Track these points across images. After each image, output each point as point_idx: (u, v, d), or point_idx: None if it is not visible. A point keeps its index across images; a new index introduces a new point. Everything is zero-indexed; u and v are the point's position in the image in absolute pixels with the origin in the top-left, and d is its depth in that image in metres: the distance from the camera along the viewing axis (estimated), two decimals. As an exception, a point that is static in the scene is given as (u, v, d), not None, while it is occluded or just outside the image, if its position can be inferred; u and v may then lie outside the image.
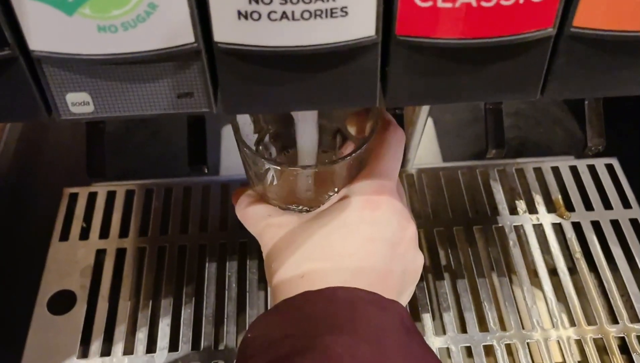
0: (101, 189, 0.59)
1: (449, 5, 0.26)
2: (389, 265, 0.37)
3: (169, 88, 0.29)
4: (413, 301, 0.52)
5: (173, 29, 0.26)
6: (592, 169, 0.60)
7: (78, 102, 0.29)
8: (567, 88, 0.30)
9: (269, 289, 0.52)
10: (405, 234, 0.38)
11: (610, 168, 0.60)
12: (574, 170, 0.60)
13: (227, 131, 0.69)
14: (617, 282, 0.53)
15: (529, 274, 0.54)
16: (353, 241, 0.36)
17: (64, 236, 0.55)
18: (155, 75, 0.28)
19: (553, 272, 0.54)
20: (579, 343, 0.49)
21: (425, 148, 0.67)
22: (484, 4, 0.26)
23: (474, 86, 0.30)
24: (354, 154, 0.38)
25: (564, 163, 0.61)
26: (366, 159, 0.40)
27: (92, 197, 0.58)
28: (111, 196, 0.58)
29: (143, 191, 0.58)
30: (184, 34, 0.26)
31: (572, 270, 0.54)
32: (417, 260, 0.39)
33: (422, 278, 0.53)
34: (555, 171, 0.60)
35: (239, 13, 0.26)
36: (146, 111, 0.29)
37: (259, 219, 0.40)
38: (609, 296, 0.52)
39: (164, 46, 0.27)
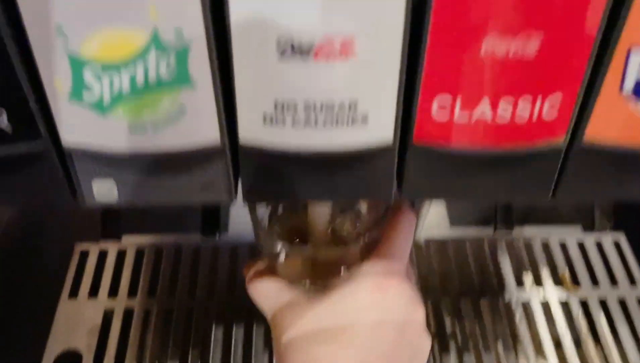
0: (112, 247, 0.59)
1: (465, 117, 0.27)
2: (397, 350, 0.37)
3: (192, 180, 0.30)
4: (418, 375, 0.52)
5: (200, 130, 0.27)
6: (599, 244, 0.61)
7: (104, 191, 0.30)
8: (577, 193, 0.31)
9: (274, 358, 0.52)
10: (413, 318, 0.38)
11: (617, 244, 0.61)
12: (581, 245, 0.61)
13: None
14: (623, 361, 0.53)
15: (535, 349, 0.54)
16: (362, 326, 0.37)
17: (73, 294, 0.56)
18: (179, 169, 0.29)
19: (559, 348, 0.54)
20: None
21: (434, 211, 0.68)
22: (499, 117, 0.27)
23: (487, 188, 0.31)
24: (365, 238, 0.39)
25: (571, 237, 0.61)
26: (377, 240, 0.41)
27: (103, 254, 0.59)
28: (121, 254, 0.59)
29: (153, 250, 0.59)
30: (210, 136, 0.28)
31: (579, 347, 0.54)
32: (424, 344, 0.39)
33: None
34: (563, 245, 0.61)
35: (265, 118, 0.27)
36: (169, 200, 0.30)
37: (270, 297, 0.40)
38: (615, 377, 0.52)
39: (190, 145, 0.28)
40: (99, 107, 0.26)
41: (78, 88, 0.25)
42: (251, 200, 0.32)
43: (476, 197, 0.32)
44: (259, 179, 0.30)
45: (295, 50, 0.25)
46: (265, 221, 0.42)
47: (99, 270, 0.57)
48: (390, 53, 0.25)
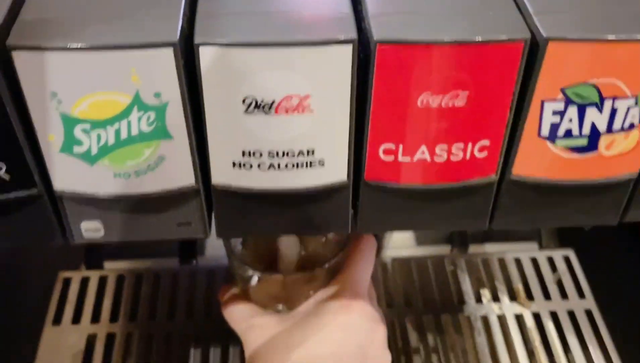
0: (93, 274, 0.62)
1: (407, 159, 0.32)
2: None
3: (170, 219, 0.33)
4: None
5: (177, 174, 0.31)
6: (550, 260, 0.66)
7: (91, 229, 0.33)
8: (512, 221, 0.36)
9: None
10: (375, 336, 0.42)
11: (567, 259, 0.66)
12: (534, 261, 0.65)
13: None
14: (573, 370, 0.58)
15: (493, 361, 0.58)
16: (328, 345, 0.40)
17: (57, 320, 0.58)
18: (159, 209, 0.33)
19: (514, 360, 0.58)
20: None
21: (399, 236, 0.72)
22: (437, 159, 0.32)
23: (432, 219, 0.35)
24: (330, 263, 0.43)
25: (525, 254, 0.66)
26: (341, 264, 0.44)
27: (85, 281, 0.62)
28: (102, 280, 0.62)
29: (133, 276, 0.62)
30: (186, 178, 0.31)
31: (532, 357, 0.58)
32: (386, 360, 0.43)
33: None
34: (518, 262, 0.65)
35: (234, 163, 0.31)
36: (150, 237, 0.34)
37: (243, 319, 0.44)
38: (565, 384, 0.56)
39: (169, 187, 0.31)
40: (87, 157, 0.30)
41: (69, 142, 0.29)
42: (223, 236, 0.36)
43: (422, 227, 0.36)
44: (230, 216, 0.34)
45: (258, 106, 0.29)
46: (237, 250, 0.46)
47: (81, 297, 0.60)
48: (341, 109, 0.29)
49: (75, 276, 0.62)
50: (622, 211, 0.36)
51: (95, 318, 0.59)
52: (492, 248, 0.67)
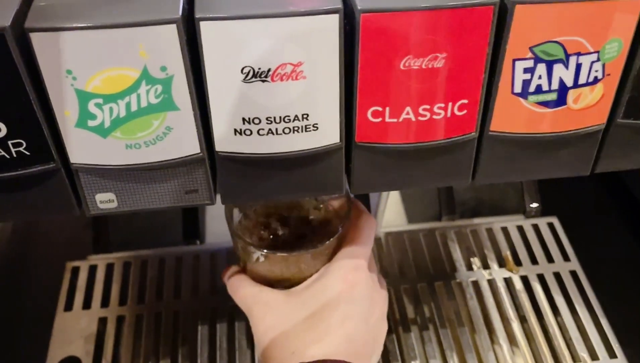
0: (100, 262, 0.65)
1: (394, 120, 0.35)
2: (364, 336, 0.43)
3: (179, 187, 0.36)
4: (385, 352, 0.58)
5: (184, 143, 0.34)
6: (536, 227, 0.69)
7: (105, 201, 0.36)
8: (492, 175, 0.39)
9: (256, 354, 0.58)
10: (375, 309, 0.44)
11: (551, 225, 0.69)
12: (520, 229, 0.69)
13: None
14: (561, 328, 0.61)
15: (485, 324, 0.61)
16: (334, 319, 0.42)
17: (68, 307, 0.61)
18: (168, 177, 0.35)
19: (506, 321, 0.61)
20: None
21: (392, 210, 0.75)
22: (421, 118, 0.35)
23: (420, 176, 0.38)
24: (331, 240, 0.45)
25: (512, 223, 0.69)
26: (342, 242, 0.47)
27: (93, 269, 0.64)
28: (110, 268, 0.64)
29: (139, 262, 0.64)
30: (192, 147, 0.34)
31: (522, 318, 0.61)
32: (383, 329, 0.46)
33: (392, 330, 0.60)
34: (505, 230, 0.69)
35: (235, 130, 0.34)
36: (160, 205, 0.37)
37: (248, 296, 0.46)
38: (554, 341, 0.59)
39: (176, 156, 0.34)
40: (101, 131, 0.32)
41: (84, 117, 0.32)
42: (227, 202, 0.38)
43: (411, 185, 0.39)
44: (233, 182, 0.37)
45: (256, 75, 0.32)
46: (240, 229, 0.47)
47: (90, 284, 0.63)
48: (331, 75, 0.32)
49: (83, 265, 0.64)
50: (593, 162, 0.39)
51: (105, 303, 0.61)
52: (480, 221, 0.71)
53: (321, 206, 0.49)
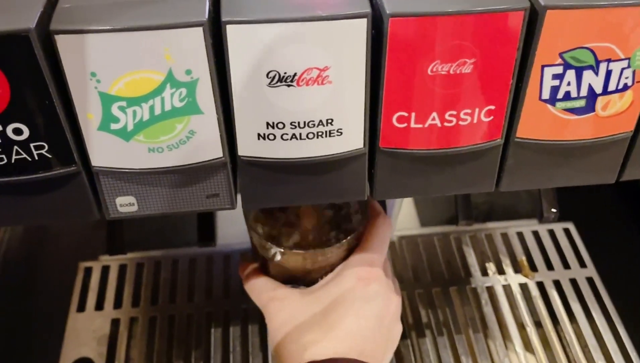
0: (113, 263, 0.64)
1: (419, 126, 0.34)
2: (377, 336, 0.43)
3: (200, 191, 0.36)
4: (399, 357, 0.58)
5: (207, 147, 0.33)
6: (551, 233, 0.68)
7: (125, 204, 0.36)
8: (517, 182, 0.38)
9: (269, 353, 0.57)
10: (390, 308, 0.44)
11: (567, 231, 0.68)
12: (536, 234, 0.68)
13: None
14: (577, 335, 0.60)
15: (500, 330, 0.60)
16: (348, 317, 0.42)
17: (81, 308, 0.60)
18: (189, 181, 0.35)
19: (521, 327, 0.61)
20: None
21: (405, 213, 0.74)
22: (446, 124, 0.34)
23: (442, 183, 0.38)
24: (348, 238, 0.45)
25: (527, 228, 0.69)
26: (358, 241, 0.47)
27: (105, 270, 0.64)
28: (122, 269, 0.64)
29: (152, 263, 0.64)
30: (214, 151, 0.34)
31: (538, 325, 0.61)
32: (397, 330, 0.45)
33: (406, 336, 0.59)
34: (520, 235, 0.68)
35: (259, 135, 0.33)
36: (181, 209, 0.36)
37: (264, 292, 0.46)
38: (570, 348, 0.59)
39: (199, 160, 0.34)
40: (123, 134, 0.32)
41: (107, 120, 0.31)
42: (248, 207, 0.38)
43: (434, 192, 0.38)
44: (255, 187, 0.36)
45: (281, 79, 0.31)
46: (257, 226, 0.48)
47: (102, 285, 0.62)
48: (357, 80, 0.32)
49: (96, 266, 0.64)
50: (619, 170, 0.39)
51: (118, 304, 0.61)
52: (495, 226, 0.70)
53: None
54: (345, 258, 0.46)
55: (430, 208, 0.73)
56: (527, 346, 0.59)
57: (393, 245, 0.67)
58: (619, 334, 0.59)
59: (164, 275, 0.63)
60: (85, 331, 0.59)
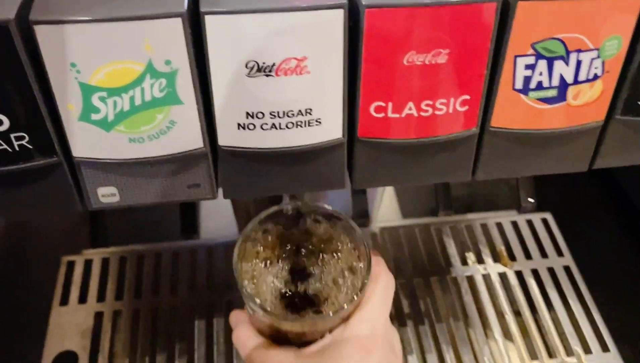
0: (96, 257, 0.64)
1: (397, 115, 0.35)
2: None
3: (181, 181, 0.36)
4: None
5: (187, 137, 0.34)
6: (530, 223, 0.69)
7: (107, 194, 0.36)
8: (493, 171, 0.39)
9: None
10: None
11: (545, 221, 0.70)
12: (514, 225, 0.69)
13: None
14: (555, 322, 0.61)
15: (480, 318, 0.62)
16: None
17: (64, 301, 0.61)
18: (170, 172, 0.35)
19: (501, 316, 0.62)
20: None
21: (387, 205, 0.75)
22: (423, 114, 0.35)
23: (420, 172, 0.38)
24: (346, 308, 0.39)
25: (506, 219, 0.70)
26: (357, 306, 0.41)
27: (88, 264, 0.64)
28: (105, 262, 0.64)
29: (135, 257, 0.64)
30: (195, 141, 0.34)
31: (517, 313, 0.62)
32: None
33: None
34: (499, 226, 0.69)
35: (239, 125, 0.34)
36: (162, 199, 0.37)
37: (255, 352, 0.41)
38: (548, 335, 0.60)
39: (179, 150, 0.34)
40: (104, 124, 0.32)
41: (87, 110, 0.32)
42: (229, 196, 0.39)
43: (412, 181, 0.39)
44: (235, 177, 0.37)
45: (260, 69, 0.32)
46: (248, 288, 0.41)
47: (85, 278, 0.62)
48: (335, 70, 0.32)
49: (79, 260, 0.64)
50: (591, 158, 0.40)
51: (101, 297, 0.61)
52: (475, 217, 0.71)
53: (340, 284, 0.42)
54: (344, 320, 0.41)
55: (411, 200, 0.74)
56: (507, 334, 0.60)
57: (375, 236, 0.68)
58: (595, 322, 0.60)
59: (147, 269, 0.63)
60: (69, 325, 0.59)
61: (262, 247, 0.43)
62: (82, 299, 0.61)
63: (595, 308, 0.62)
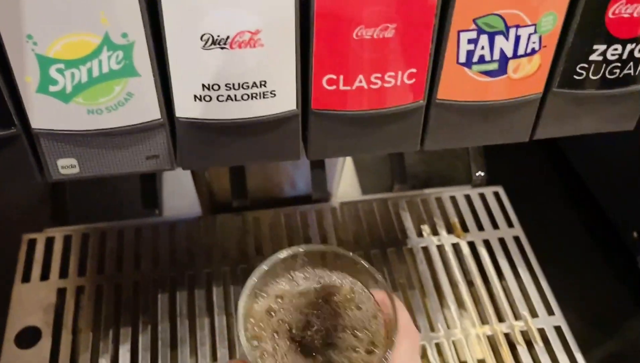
0: (58, 234, 0.65)
1: (348, 88, 0.36)
2: None
3: (140, 152, 0.37)
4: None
5: (145, 109, 0.35)
6: (482, 196, 0.72)
7: (67, 166, 0.37)
8: (440, 142, 0.41)
9: (215, 315, 0.59)
10: None
11: (496, 194, 0.73)
12: (468, 198, 0.72)
13: (169, 174, 0.76)
14: (504, 289, 0.64)
15: (435, 286, 0.64)
16: None
17: (26, 278, 0.61)
18: (129, 143, 0.36)
19: (454, 284, 0.65)
20: (476, 339, 0.60)
21: (347, 181, 0.78)
22: (373, 87, 0.37)
23: (372, 142, 0.40)
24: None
25: (460, 193, 0.73)
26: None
27: (50, 242, 0.64)
28: (67, 240, 0.64)
29: (97, 234, 0.65)
30: (152, 113, 0.35)
31: (469, 282, 0.65)
32: None
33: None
34: (453, 199, 0.72)
35: (195, 96, 0.35)
36: (121, 171, 0.38)
37: None
38: (498, 301, 0.63)
39: (137, 121, 0.35)
40: (62, 96, 0.33)
41: (45, 82, 0.32)
42: (187, 167, 0.40)
43: (364, 151, 0.41)
44: (193, 148, 0.38)
45: (215, 42, 0.33)
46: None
47: (47, 256, 0.63)
48: (288, 43, 0.34)
49: (40, 238, 0.64)
50: (532, 129, 0.42)
51: (64, 274, 0.61)
52: (430, 191, 0.74)
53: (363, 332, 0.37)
54: None
55: (370, 177, 0.76)
56: (459, 301, 0.63)
57: (335, 211, 0.70)
58: (542, 288, 0.64)
59: (110, 245, 0.64)
60: (31, 301, 0.59)
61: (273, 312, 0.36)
62: (45, 276, 0.61)
63: (542, 275, 0.65)
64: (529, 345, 0.60)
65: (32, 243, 0.64)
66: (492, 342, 0.60)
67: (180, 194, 0.73)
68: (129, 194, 0.67)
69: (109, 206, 0.69)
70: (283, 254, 0.37)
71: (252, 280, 0.36)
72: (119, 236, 0.65)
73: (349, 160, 0.80)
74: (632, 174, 0.70)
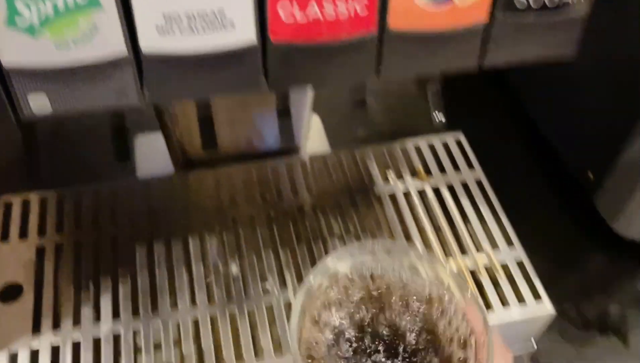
0: (34, 197, 0.66)
1: (304, 20, 0.39)
2: None
3: (108, 87, 0.39)
4: (312, 262, 0.63)
5: (110, 43, 0.37)
6: (445, 145, 0.76)
7: (39, 104, 0.38)
8: (393, 70, 0.44)
9: (192, 265, 0.62)
10: None
11: (459, 143, 0.76)
12: (432, 147, 0.75)
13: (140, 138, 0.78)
14: (467, 226, 0.68)
15: (402, 230, 0.68)
16: None
17: (4, 237, 0.62)
18: (97, 78, 0.38)
19: (420, 227, 0.68)
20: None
21: (315, 136, 0.80)
22: (328, 18, 0.39)
23: (330, 74, 0.43)
24: None
25: (423, 141, 0.76)
26: None
27: (26, 204, 0.65)
28: (44, 202, 0.66)
29: (74, 195, 0.66)
30: (118, 46, 0.37)
31: (436, 226, 0.68)
32: None
33: (317, 243, 0.65)
34: (417, 148, 0.75)
35: (157, 27, 0.37)
36: (91, 105, 0.39)
37: None
38: (461, 237, 0.66)
39: (104, 55, 0.37)
40: (30, 30, 0.35)
41: (12, 15, 0.34)
42: (154, 101, 0.42)
43: (322, 82, 0.43)
44: (160, 82, 0.40)
45: (172, -27, 0.35)
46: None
47: (25, 217, 0.64)
48: (242, -28, 0.36)
49: (16, 201, 0.65)
50: (479, 57, 0.45)
51: (42, 232, 0.63)
52: (396, 143, 0.77)
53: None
54: None
55: (338, 130, 0.79)
56: (425, 240, 0.66)
57: (304, 164, 0.72)
58: (502, 222, 0.67)
59: (86, 204, 0.66)
60: (10, 259, 0.60)
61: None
62: (23, 234, 0.63)
63: (502, 211, 0.68)
64: (495, 283, 0.63)
65: (8, 206, 0.65)
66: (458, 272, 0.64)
67: (153, 156, 0.74)
68: (101, 156, 0.68)
69: (84, 170, 0.71)
70: None
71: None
72: (94, 196, 0.66)
73: (316, 117, 0.83)
74: (585, 116, 0.74)
